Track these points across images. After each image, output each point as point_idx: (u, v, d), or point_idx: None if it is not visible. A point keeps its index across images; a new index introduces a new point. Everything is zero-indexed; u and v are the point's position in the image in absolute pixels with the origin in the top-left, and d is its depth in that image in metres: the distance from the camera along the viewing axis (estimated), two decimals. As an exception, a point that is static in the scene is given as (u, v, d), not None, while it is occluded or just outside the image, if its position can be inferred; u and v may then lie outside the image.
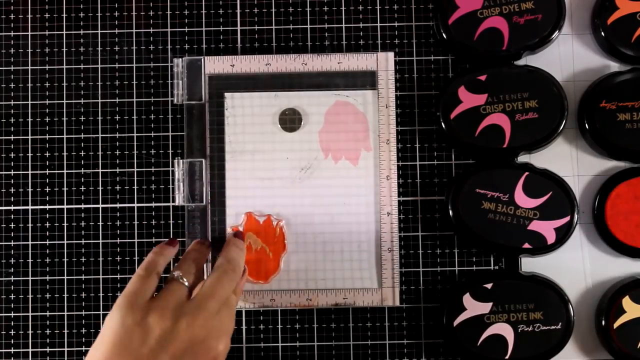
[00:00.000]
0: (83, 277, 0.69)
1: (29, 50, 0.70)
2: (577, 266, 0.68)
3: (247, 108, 0.69)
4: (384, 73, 0.69)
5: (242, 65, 0.69)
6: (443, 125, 0.67)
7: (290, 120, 0.69)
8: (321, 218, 0.69)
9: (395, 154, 0.68)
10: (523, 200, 0.66)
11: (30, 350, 0.69)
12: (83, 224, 0.69)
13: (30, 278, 0.68)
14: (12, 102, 0.70)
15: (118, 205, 0.69)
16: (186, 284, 0.61)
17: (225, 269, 0.62)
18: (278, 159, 0.69)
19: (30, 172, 0.69)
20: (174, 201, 0.69)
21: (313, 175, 0.69)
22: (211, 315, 0.59)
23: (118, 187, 0.69)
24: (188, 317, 0.58)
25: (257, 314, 0.69)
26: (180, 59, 0.69)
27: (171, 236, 0.69)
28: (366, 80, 0.69)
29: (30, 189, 0.69)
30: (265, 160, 0.69)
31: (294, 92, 0.69)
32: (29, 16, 0.70)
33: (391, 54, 0.69)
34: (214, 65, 0.69)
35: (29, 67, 0.70)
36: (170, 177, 0.69)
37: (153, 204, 0.69)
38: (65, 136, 0.69)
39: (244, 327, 0.69)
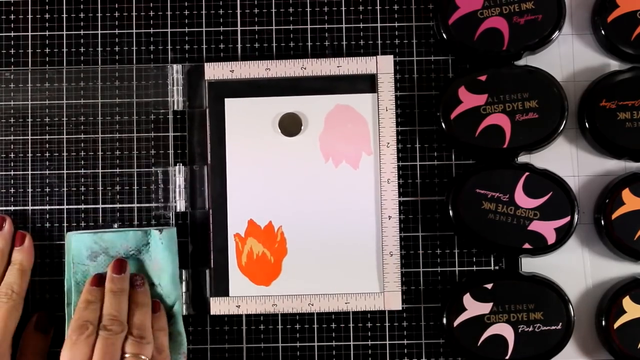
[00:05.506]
0: (83, 277, 0.69)
1: (29, 51, 0.70)
2: (577, 266, 0.68)
3: (248, 113, 0.69)
4: (384, 76, 0.69)
5: (241, 71, 0.69)
6: (443, 126, 0.67)
7: (291, 125, 0.69)
8: (322, 222, 0.68)
9: (395, 157, 0.68)
10: (523, 200, 0.66)
11: (29, 351, 0.69)
12: (83, 224, 0.69)
13: (29, 278, 0.68)
14: (12, 102, 0.70)
15: (118, 205, 0.69)
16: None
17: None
18: (279, 164, 0.69)
19: (30, 172, 0.69)
20: (176, 207, 0.69)
21: (314, 179, 0.69)
22: None
23: (118, 188, 0.69)
24: None
25: (257, 314, 0.69)
26: (174, 65, 0.69)
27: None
28: (366, 83, 0.69)
29: (30, 189, 0.69)
30: (266, 165, 0.69)
31: (294, 96, 0.69)
32: (29, 16, 0.70)
33: (390, 57, 0.69)
34: (214, 71, 0.69)
35: (29, 67, 0.70)
36: (171, 184, 0.69)
37: (153, 204, 0.69)
38: (65, 136, 0.69)
39: (244, 327, 0.69)
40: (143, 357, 0.61)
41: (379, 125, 0.69)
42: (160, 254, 0.66)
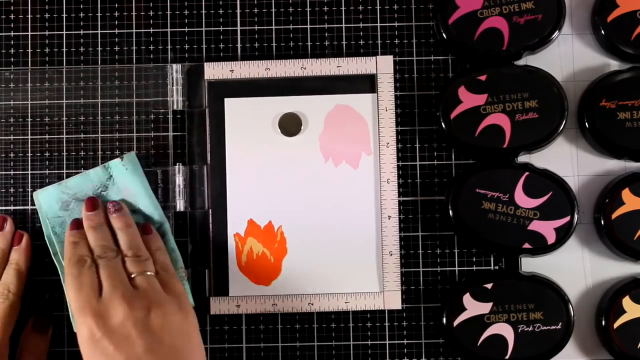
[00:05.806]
0: (83, 277, 0.69)
1: (29, 50, 0.70)
2: (577, 266, 0.68)
3: (247, 113, 0.69)
4: (384, 76, 0.69)
5: (241, 71, 0.69)
6: (443, 125, 0.67)
7: (290, 125, 0.69)
8: (322, 222, 0.68)
9: (395, 157, 0.68)
10: (523, 200, 0.66)
11: (29, 350, 0.68)
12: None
13: (30, 278, 0.68)
14: (12, 102, 0.70)
15: (118, 205, 0.69)
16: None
17: None
18: (278, 164, 0.69)
19: (30, 172, 0.69)
20: (175, 207, 0.69)
21: (314, 179, 0.69)
22: None
23: (118, 187, 0.69)
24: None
25: (257, 314, 0.69)
26: (174, 65, 0.69)
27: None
28: (366, 83, 0.69)
29: (30, 189, 0.69)
30: (265, 165, 0.69)
31: (294, 96, 0.69)
32: (29, 16, 0.70)
33: (390, 57, 0.69)
34: (214, 71, 0.69)
35: (29, 67, 0.70)
36: (171, 184, 0.69)
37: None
38: (65, 136, 0.69)
39: (244, 327, 0.69)
40: (148, 272, 0.62)
41: (379, 125, 0.69)
42: (129, 179, 0.67)
